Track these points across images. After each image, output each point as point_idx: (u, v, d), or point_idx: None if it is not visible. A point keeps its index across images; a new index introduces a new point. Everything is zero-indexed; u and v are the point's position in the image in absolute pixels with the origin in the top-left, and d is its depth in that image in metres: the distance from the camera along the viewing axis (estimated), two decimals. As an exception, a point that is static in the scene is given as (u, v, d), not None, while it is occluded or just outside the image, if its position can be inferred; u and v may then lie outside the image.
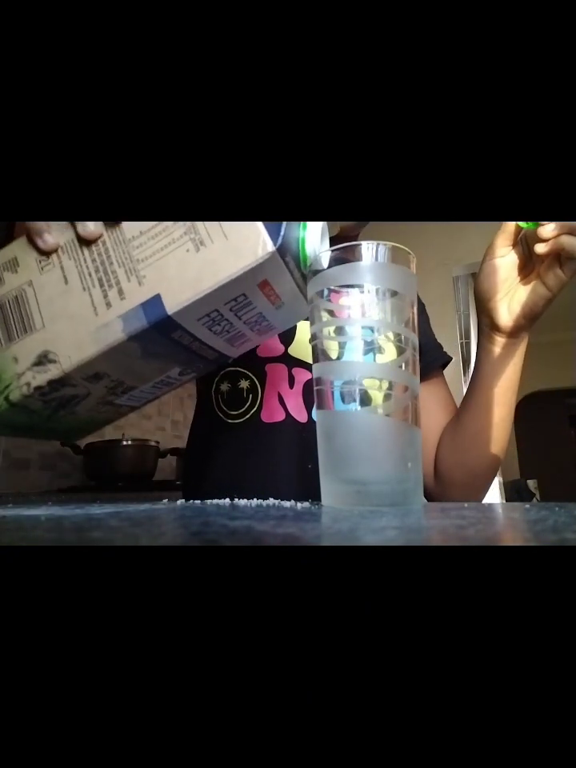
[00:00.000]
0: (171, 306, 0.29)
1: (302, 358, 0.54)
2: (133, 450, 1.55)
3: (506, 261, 0.45)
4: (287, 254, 0.30)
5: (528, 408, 3.33)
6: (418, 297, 0.69)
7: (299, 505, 0.29)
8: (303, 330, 0.55)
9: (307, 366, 0.53)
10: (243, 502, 0.32)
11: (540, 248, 0.40)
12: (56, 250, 0.31)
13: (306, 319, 0.54)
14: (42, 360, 0.30)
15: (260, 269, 0.28)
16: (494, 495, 1.75)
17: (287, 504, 0.29)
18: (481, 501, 0.55)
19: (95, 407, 0.35)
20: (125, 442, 1.53)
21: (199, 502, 0.34)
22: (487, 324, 0.47)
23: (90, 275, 0.30)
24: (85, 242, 0.30)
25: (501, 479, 1.88)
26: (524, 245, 0.44)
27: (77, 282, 0.30)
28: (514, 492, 2.86)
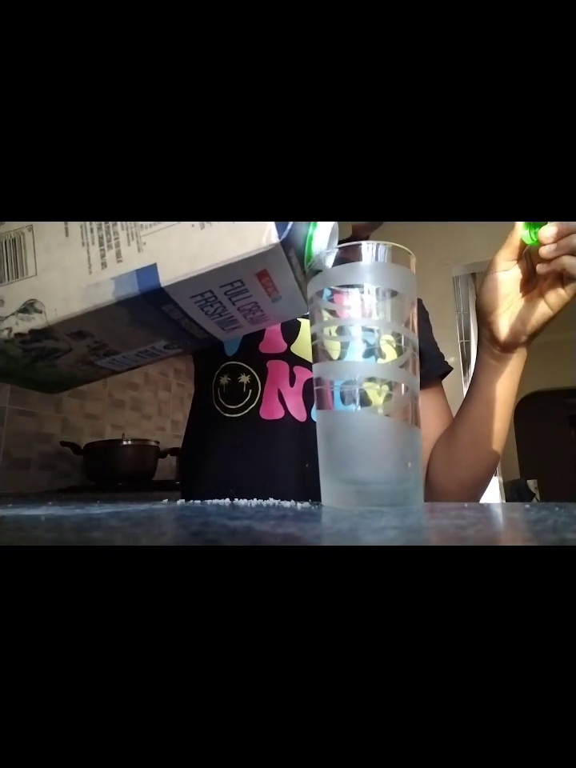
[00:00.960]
0: (166, 278, 0.28)
1: (304, 357, 0.54)
2: (133, 450, 1.55)
3: (508, 275, 0.44)
4: (291, 250, 0.29)
5: (528, 408, 3.33)
6: (422, 305, 0.70)
7: (299, 505, 0.29)
8: (306, 328, 0.54)
9: (309, 365, 0.53)
10: (243, 502, 0.32)
11: (541, 268, 0.40)
12: None
13: (304, 317, 0.54)
14: (28, 308, 0.30)
15: (261, 258, 0.28)
16: (494, 495, 1.75)
17: (287, 504, 0.29)
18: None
19: (75, 364, 0.35)
20: (125, 442, 1.53)
21: (199, 502, 0.34)
22: (487, 336, 0.47)
23: (91, 231, 0.30)
24: None
25: (501, 479, 1.88)
26: (528, 260, 0.44)
27: (77, 235, 0.30)
28: (514, 492, 2.86)
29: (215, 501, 0.34)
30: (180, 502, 0.33)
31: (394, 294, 0.30)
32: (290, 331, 0.55)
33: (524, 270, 0.44)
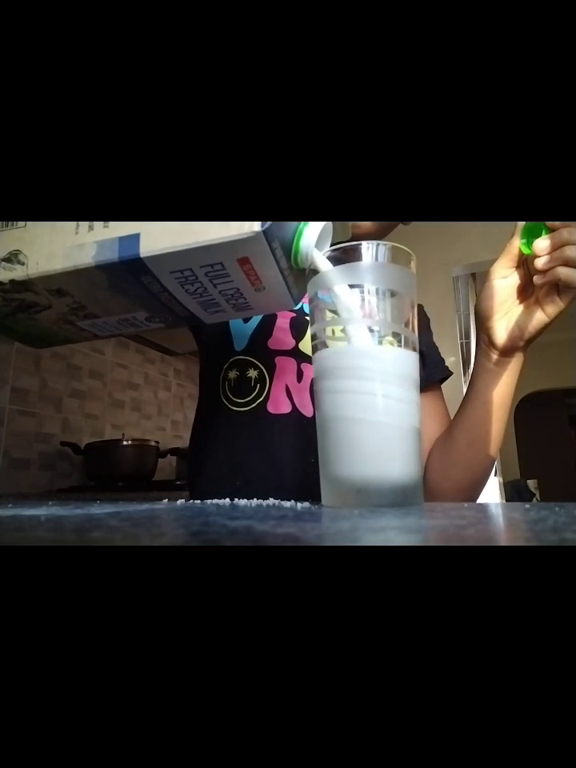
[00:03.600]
0: (146, 249, 0.29)
1: (312, 354, 0.54)
2: (133, 450, 1.55)
3: (506, 283, 0.46)
4: (275, 241, 0.30)
5: (528, 408, 3.33)
6: (423, 310, 0.70)
7: (299, 505, 0.29)
8: None
9: None
10: (243, 502, 0.32)
11: (537, 279, 0.41)
12: None
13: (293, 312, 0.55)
14: (12, 258, 0.31)
15: (241, 244, 0.29)
16: (493, 495, 1.75)
17: (287, 504, 0.29)
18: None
19: (56, 322, 0.36)
20: (125, 442, 1.53)
21: (199, 502, 0.34)
22: (485, 341, 0.48)
23: None
24: None
25: (501, 479, 1.88)
26: (526, 267, 0.45)
27: None
28: (514, 492, 2.86)
29: (215, 501, 0.34)
30: (180, 501, 0.33)
31: (393, 294, 0.30)
32: (299, 329, 0.55)
33: (522, 277, 0.45)
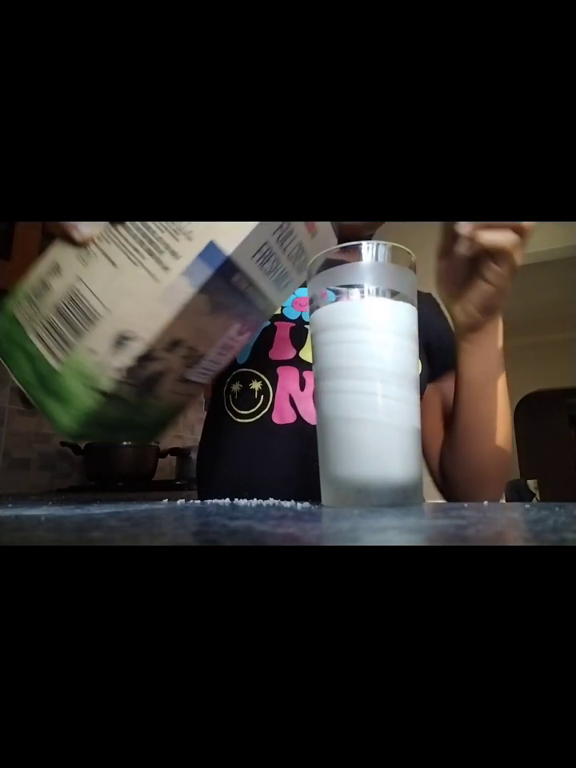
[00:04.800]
0: (228, 246, 0.29)
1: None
2: (133, 450, 1.55)
3: (449, 264, 0.45)
4: None
5: (528, 408, 3.33)
6: (434, 298, 0.70)
7: (299, 505, 0.29)
8: None
9: None
10: (243, 502, 0.32)
11: (461, 249, 0.40)
12: (92, 240, 0.31)
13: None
14: (121, 340, 0.30)
15: None
16: (493, 495, 1.75)
17: (287, 504, 0.29)
18: (494, 499, 0.55)
19: (173, 386, 0.36)
20: (125, 442, 1.53)
21: (199, 502, 0.34)
22: (455, 324, 0.48)
23: (136, 251, 0.30)
24: (118, 225, 0.31)
25: (501, 479, 1.87)
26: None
27: (125, 260, 0.30)
28: (514, 492, 2.86)
29: (215, 501, 0.34)
30: (180, 501, 0.33)
31: (393, 293, 0.30)
32: (299, 338, 0.56)
33: (459, 259, 0.44)
